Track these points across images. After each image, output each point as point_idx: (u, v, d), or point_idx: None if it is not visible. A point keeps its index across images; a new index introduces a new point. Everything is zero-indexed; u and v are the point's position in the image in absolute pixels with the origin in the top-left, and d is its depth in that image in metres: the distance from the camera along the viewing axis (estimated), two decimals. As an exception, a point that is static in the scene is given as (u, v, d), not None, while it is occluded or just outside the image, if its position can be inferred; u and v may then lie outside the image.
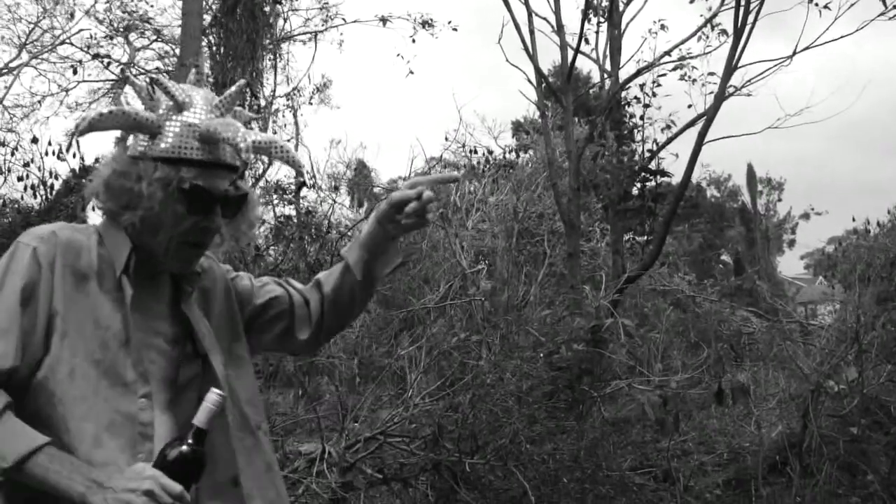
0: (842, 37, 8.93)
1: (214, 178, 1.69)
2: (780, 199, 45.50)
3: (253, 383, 1.89)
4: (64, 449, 1.54)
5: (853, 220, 12.85)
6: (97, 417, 1.58)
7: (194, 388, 1.75)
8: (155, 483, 1.47)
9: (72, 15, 15.03)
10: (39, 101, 16.19)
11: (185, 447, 1.54)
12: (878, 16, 8.76)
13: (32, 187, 8.93)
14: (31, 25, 15.74)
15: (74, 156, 13.89)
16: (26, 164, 8.73)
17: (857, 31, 8.91)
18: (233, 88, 1.80)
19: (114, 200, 1.71)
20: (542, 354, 6.06)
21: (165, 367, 1.72)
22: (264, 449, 1.82)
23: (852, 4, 8.69)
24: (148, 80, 1.75)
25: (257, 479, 1.77)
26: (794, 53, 8.91)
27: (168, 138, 1.68)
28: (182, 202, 1.67)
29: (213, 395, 1.58)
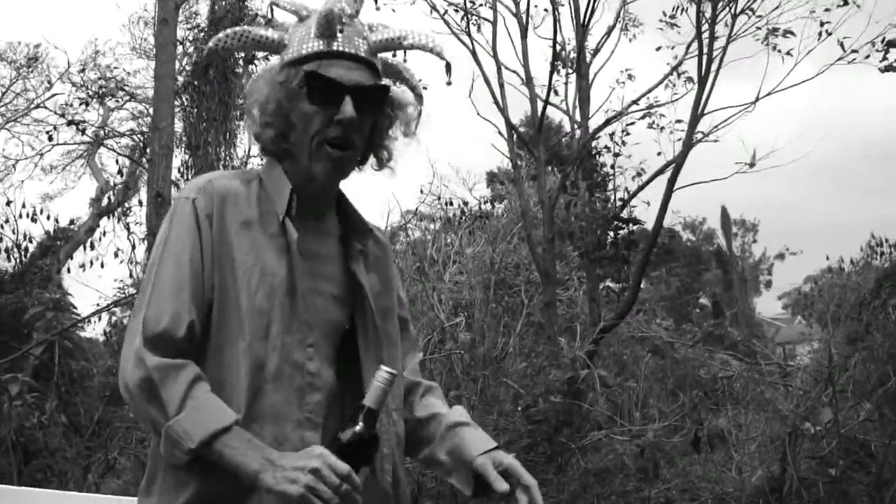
0: (803, 81, 9.16)
1: (337, 68, 1.62)
2: (755, 241, 45.85)
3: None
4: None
5: (827, 258, 12.97)
6: (262, 369, 1.56)
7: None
8: (322, 462, 1.43)
9: (49, 83, 15.14)
10: (13, 165, 16.23)
11: (357, 427, 1.50)
12: (837, 60, 8.99)
13: (6, 250, 8.91)
14: (4, 89, 15.82)
15: (48, 218, 13.93)
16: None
17: (817, 75, 9.16)
18: None
19: (257, 123, 1.68)
20: (519, 408, 6.06)
21: (332, 314, 1.69)
22: (398, 431, 1.75)
23: (810, 50, 8.94)
24: (268, 5, 1.72)
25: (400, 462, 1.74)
26: (758, 99, 9.09)
27: (291, 46, 1.66)
28: (304, 96, 1.62)
29: (382, 372, 1.51)
